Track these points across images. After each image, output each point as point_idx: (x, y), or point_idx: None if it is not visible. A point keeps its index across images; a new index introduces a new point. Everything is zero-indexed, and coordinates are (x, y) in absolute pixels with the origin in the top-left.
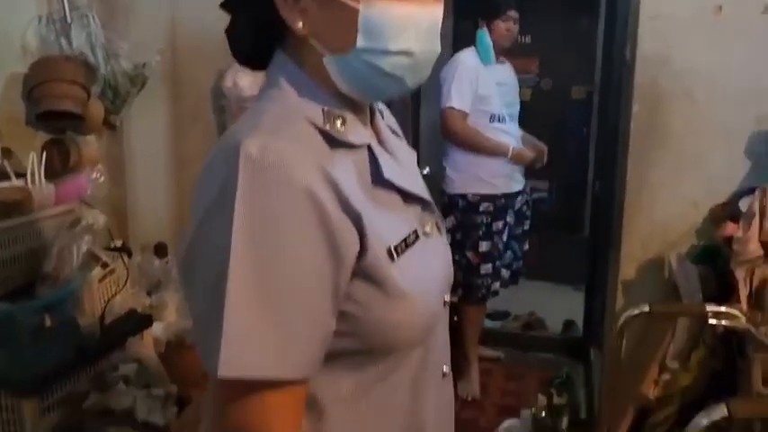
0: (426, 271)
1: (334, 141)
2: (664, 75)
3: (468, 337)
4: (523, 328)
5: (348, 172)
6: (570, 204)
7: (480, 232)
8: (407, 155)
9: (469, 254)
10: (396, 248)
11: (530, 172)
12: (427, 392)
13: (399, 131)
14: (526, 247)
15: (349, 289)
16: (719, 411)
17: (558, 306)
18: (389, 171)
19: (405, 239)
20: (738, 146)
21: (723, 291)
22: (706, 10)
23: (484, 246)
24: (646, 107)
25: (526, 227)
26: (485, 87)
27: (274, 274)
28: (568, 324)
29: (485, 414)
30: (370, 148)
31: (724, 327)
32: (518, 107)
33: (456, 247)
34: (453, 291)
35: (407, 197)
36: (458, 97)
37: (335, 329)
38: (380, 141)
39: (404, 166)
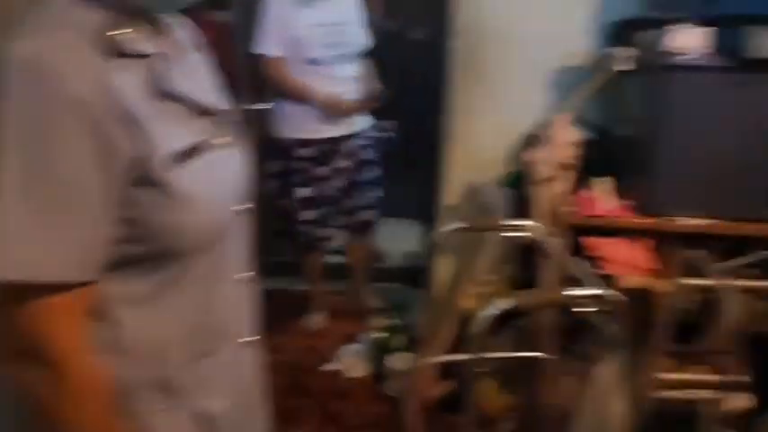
0: (213, 179)
1: (117, 49)
2: (484, 16)
3: (309, 278)
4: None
5: (130, 80)
6: (415, 141)
7: (299, 178)
8: (204, 69)
9: (285, 200)
10: (180, 155)
11: (376, 113)
12: (222, 297)
13: (202, 47)
14: (378, 194)
15: (131, 194)
16: (507, 301)
17: (402, 240)
18: (179, 83)
19: (192, 148)
20: (544, 78)
21: (530, 211)
22: None
23: (303, 192)
24: (466, 45)
25: (374, 173)
26: (298, 29)
27: (46, 180)
28: (410, 255)
29: (332, 341)
30: (158, 58)
31: (518, 239)
32: (353, 48)
33: (277, 192)
34: None
35: (198, 109)
36: (266, 43)
37: (124, 236)
38: (173, 53)
39: (197, 80)
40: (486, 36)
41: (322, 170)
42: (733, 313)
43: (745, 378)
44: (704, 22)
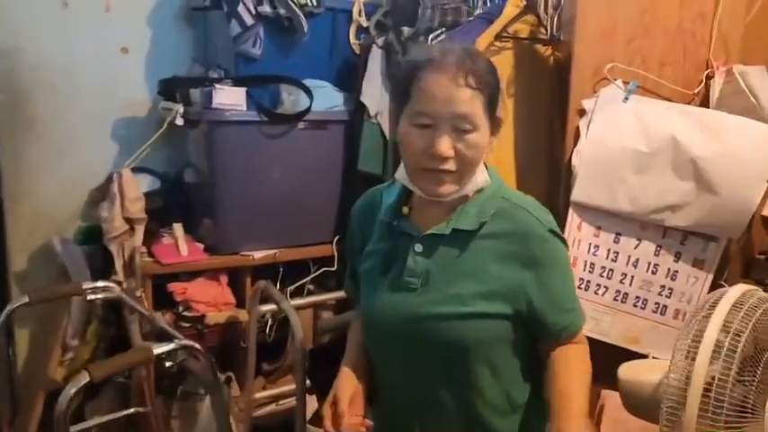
0: None
1: None
2: (21, 66)
3: None
4: None
5: None
6: None
7: None
8: None
9: None
10: None
11: None
12: None
13: None
14: None
15: None
16: (83, 377)
17: None
18: None
19: None
20: (106, 130)
21: (109, 265)
22: (54, 5)
23: None
24: (10, 96)
25: None
26: None
27: None
28: None
29: None
30: None
31: (102, 299)
32: None
33: None
34: None
35: None
36: None
37: None
38: None
39: None
40: (36, 89)
41: None
42: (299, 330)
43: (312, 385)
44: (242, 81)
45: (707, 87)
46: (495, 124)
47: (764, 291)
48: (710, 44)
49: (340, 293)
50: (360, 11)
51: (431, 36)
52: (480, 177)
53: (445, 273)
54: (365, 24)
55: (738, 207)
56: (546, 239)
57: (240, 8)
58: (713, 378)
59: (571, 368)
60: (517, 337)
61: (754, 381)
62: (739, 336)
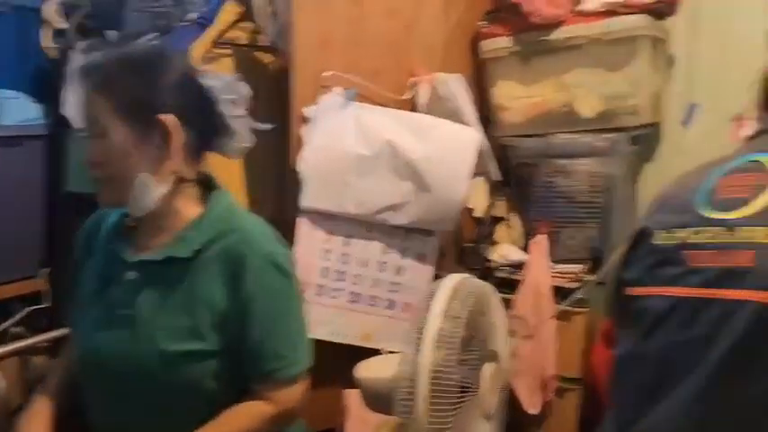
0: None
1: None
2: None
3: None
4: None
5: None
6: None
7: None
8: None
9: None
10: None
11: None
12: None
13: None
14: None
15: None
16: None
17: None
18: None
19: None
20: None
21: None
22: None
23: None
24: None
25: None
26: None
27: None
28: None
29: None
30: None
31: None
32: None
33: None
34: None
35: None
36: None
37: None
38: None
39: None
40: None
41: None
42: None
43: None
44: None
45: (416, 94)
46: (145, 130)
47: (473, 276)
48: (416, 53)
49: (56, 333)
50: (55, 11)
51: (141, 41)
52: (157, 190)
53: (156, 305)
54: (62, 26)
55: (448, 203)
56: (263, 271)
57: None
58: (437, 365)
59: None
60: (233, 374)
61: (468, 360)
62: (458, 321)
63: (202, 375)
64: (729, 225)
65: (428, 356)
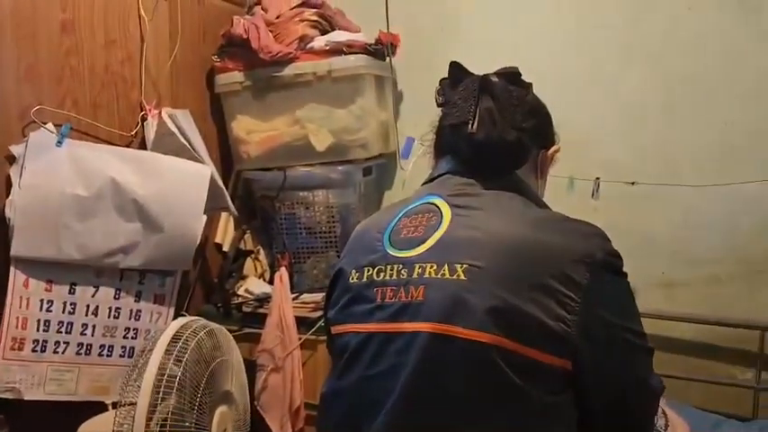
0: None
1: None
2: None
3: None
4: None
5: None
6: None
7: None
8: None
9: None
10: None
11: None
12: None
13: None
14: None
15: None
16: None
17: None
18: None
19: None
20: None
21: None
22: None
23: None
24: None
25: None
26: None
27: None
28: None
29: None
30: None
31: None
32: None
33: None
34: None
35: None
36: None
37: None
38: None
39: None
40: None
41: None
42: None
43: None
44: None
45: (143, 129)
46: None
47: (218, 312)
48: (141, 87)
49: None
50: None
51: None
52: None
53: None
54: None
55: (182, 240)
56: None
57: None
58: (168, 413)
59: None
60: None
61: (205, 403)
62: (183, 366)
63: None
64: (408, 263)
65: (144, 407)
